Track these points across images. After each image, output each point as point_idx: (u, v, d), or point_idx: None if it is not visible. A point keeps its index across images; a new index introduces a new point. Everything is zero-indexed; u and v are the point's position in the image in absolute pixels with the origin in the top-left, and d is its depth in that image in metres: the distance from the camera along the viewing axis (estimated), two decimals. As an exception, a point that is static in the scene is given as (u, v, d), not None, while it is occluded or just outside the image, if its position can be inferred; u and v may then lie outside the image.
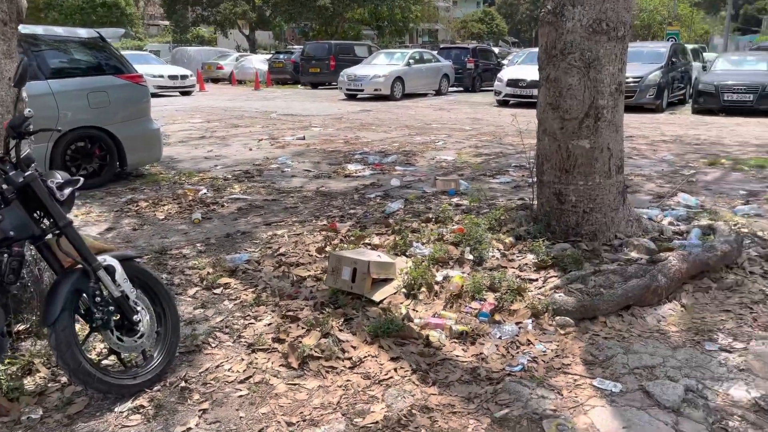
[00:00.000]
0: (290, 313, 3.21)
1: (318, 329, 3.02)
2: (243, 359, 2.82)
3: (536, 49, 18.42)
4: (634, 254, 3.85)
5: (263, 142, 9.63)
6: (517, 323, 3.12)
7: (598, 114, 3.88)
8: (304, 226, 4.92)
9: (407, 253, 4.03)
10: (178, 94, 20.70)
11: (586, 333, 3.05)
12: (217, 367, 2.78)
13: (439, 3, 57.42)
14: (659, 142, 9.68)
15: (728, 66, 15.27)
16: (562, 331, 3.06)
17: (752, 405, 2.43)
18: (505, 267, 3.75)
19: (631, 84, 14.07)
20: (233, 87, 25.80)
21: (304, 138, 9.92)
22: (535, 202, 4.55)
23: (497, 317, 3.17)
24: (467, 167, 7.56)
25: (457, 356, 2.85)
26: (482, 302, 3.28)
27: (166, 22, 46.82)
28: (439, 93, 20.42)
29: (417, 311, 3.27)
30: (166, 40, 45.35)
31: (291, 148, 9.00)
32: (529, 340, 2.98)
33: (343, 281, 3.37)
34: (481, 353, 2.87)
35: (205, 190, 6.18)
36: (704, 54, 22.29)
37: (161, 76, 20.02)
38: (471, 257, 3.87)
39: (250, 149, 8.91)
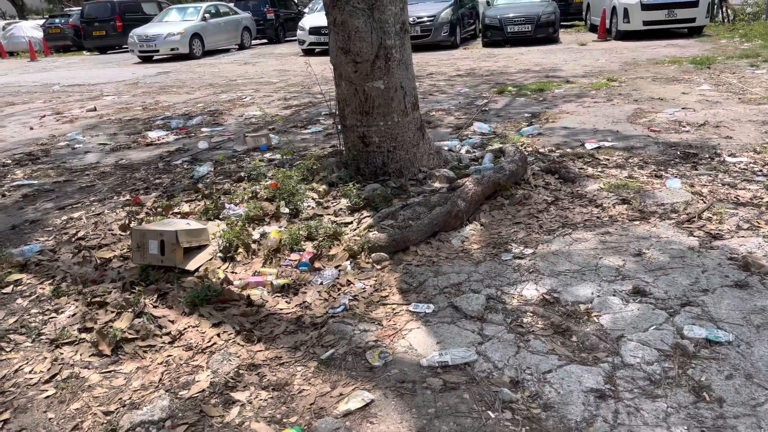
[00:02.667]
0: (97, 299, 2.97)
1: (130, 310, 2.84)
2: (46, 357, 2.57)
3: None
4: (437, 185, 4.11)
5: (46, 118, 8.59)
6: (336, 267, 3.20)
7: (387, 54, 4.00)
8: (104, 205, 4.53)
9: (220, 216, 3.91)
10: (-69, 73, 17.56)
11: (400, 264, 3.22)
12: (16, 371, 2.50)
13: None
14: (455, 76, 10.31)
15: (508, 0, 16.57)
16: (379, 267, 3.20)
17: (540, 300, 2.77)
18: (321, 215, 3.80)
19: (427, 23, 14.74)
20: (4, 60, 22.51)
21: (95, 109, 9.02)
22: (344, 148, 4.64)
23: (317, 264, 3.23)
24: (277, 121, 7.44)
25: (280, 309, 2.86)
26: (301, 253, 3.31)
27: None
28: (242, 47, 19.69)
29: (236, 273, 3.20)
30: None
31: (81, 122, 8.15)
32: (349, 281, 3.07)
33: (151, 256, 3.18)
34: (304, 302, 2.91)
35: (-21, 181, 5.40)
36: (487, -10, 23.88)
37: None
38: (287, 210, 3.86)
39: (31, 128, 7.90)
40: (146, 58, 17.37)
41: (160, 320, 2.78)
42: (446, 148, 5.10)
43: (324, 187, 4.15)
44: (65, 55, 22.66)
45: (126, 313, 2.81)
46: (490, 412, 2.07)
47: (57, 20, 24.75)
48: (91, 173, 5.53)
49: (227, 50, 19.29)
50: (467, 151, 5.02)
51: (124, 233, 3.81)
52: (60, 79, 13.66)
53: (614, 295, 2.75)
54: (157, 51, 17.01)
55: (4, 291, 3.19)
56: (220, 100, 9.40)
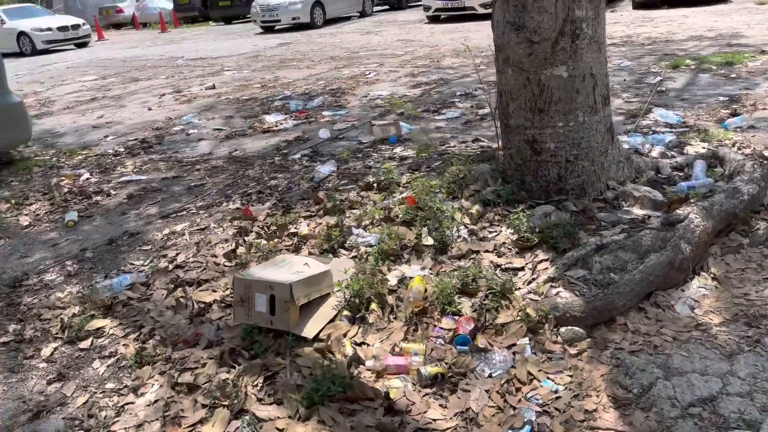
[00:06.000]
0: (186, 377, 2.21)
1: (225, 404, 2.05)
2: (110, 483, 1.84)
3: (464, -45, 16.75)
4: (637, 210, 2.98)
5: (166, 97, 8.24)
6: (509, 347, 2.23)
7: (575, 30, 2.88)
8: (211, 214, 3.83)
9: (346, 245, 3.05)
10: (72, 47, 18.41)
11: (605, 348, 2.19)
12: (70, 504, 1.78)
13: None
14: (609, 46, 8.78)
15: (664, -47, 14.34)
16: (573, 351, 2.18)
17: None
18: (477, 252, 2.82)
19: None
20: (137, 32, 23.34)
21: (213, 87, 8.55)
22: (499, 147, 3.62)
23: (480, 340, 2.26)
24: (405, 103, 6.49)
25: (433, 421, 1.94)
26: (457, 319, 2.36)
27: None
28: (363, 14, 18.87)
29: (368, 345, 2.32)
30: (56, -15, 40.81)
31: (199, 102, 7.68)
32: (530, 374, 2.09)
33: (258, 314, 2.37)
34: (468, 409, 1.97)
35: (87, 175, 4.95)
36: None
37: (49, 30, 17.67)
38: (430, 242, 2.92)
39: (150, 109, 7.54)
40: (268, 28, 17.03)
41: (265, 425, 1.96)
42: (627, 146, 3.91)
43: (477, 207, 3.16)
44: (193, 26, 23.05)
45: (221, 410, 2.02)
46: None
47: (186, -9, 25.28)
48: (202, 167, 4.90)
49: (348, 18, 18.55)
50: (662, 155, 3.78)
51: (229, 264, 3.06)
52: (184, 52, 13.57)
53: None
54: (279, 21, 16.60)
55: (82, 346, 2.53)
56: (342, 76, 8.60)
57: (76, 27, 18.35)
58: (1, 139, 5.36)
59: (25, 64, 14.70)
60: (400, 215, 3.20)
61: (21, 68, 13.75)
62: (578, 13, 2.87)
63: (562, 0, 2.81)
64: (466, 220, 3.07)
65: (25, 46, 17.47)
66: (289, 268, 2.53)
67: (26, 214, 4.19)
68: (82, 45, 18.57)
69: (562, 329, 2.26)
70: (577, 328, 2.25)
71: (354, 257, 2.91)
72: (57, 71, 12.67)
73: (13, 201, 4.42)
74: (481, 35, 11.70)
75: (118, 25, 25.76)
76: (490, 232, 2.97)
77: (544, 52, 2.90)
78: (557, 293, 2.38)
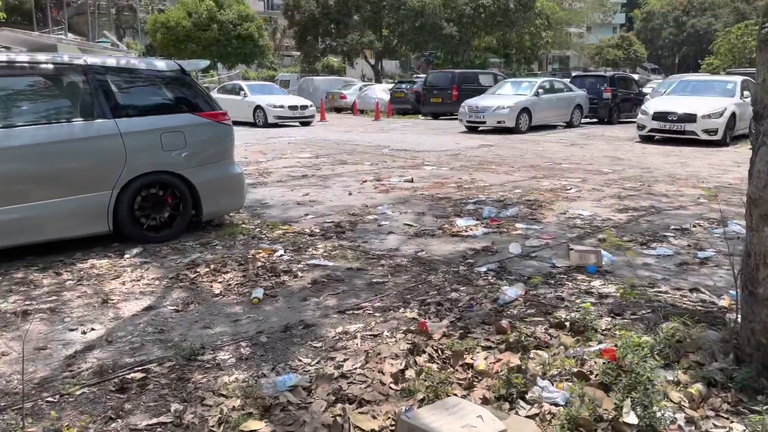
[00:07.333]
0: None
1: None
2: None
3: (690, 76, 15.96)
4: None
5: (367, 183, 8.58)
6: None
7: None
8: (386, 320, 3.67)
9: (527, 396, 2.64)
10: (297, 124, 20.54)
11: None
12: None
13: (571, 29, 54.59)
14: None
15: None
16: None
17: None
18: (696, 450, 2.24)
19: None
20: (354, 117, 25.44)
21: (412, 180, 8.74)
22: (731, 309, 3.00)
23: None
24: (608, 229, 5.94)
25: None
26: None
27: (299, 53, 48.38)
28: (570, 125, 18.55)
29: None
30: (296, 70, 46.82)
31: (395, 193, 7.85)
32: None
33: (416, 468, 2.06)
34: None
35: (281, 251, 5.14)
36: None
37: (281, 107, 19.94)
38: (634, 420, 2.39)
39: (350, 193, 7.87)
40: (472, 128, 17.45)
41: None
42: None
43: (699, 386, 2.57)
44: (403, 117, 24.56)
45: None
46: None
47: (403, 85, 27.33)
48: (386, 264, 4.84)
49: (553, 127, 18.37)
50: None
51: (395, 386, 2.81)
52: (391, 142, 14.32)
53: None
54: (484, 122, 16.94)
55: (231, 448, 2.42)
56: (540, 187, 8.29)
57: (304, 107, 20.52)
58: (219, 205, 5.89)
59: (255, 134, 16.65)
60: (597, 373, 2.72)
61: (251, 137, 15.57)
62: None
63: None
64: (683, 399, 2.50)
65: (259, 119, 19.88)
66: (460, 419, 2.20)
67: (220, 282, 4.40)
68: (305, 123, 20.63)
69: None
70: None
71: (536, 416, 2.49)
72: (279, 145, 14.08)
73: (212, 266, 4.70)
74: (701, 163, 10.74)
75: (338, 109, 28.38)
76: (716, 426, 2.37)
77: (819, 216, 2.34)
78: None
